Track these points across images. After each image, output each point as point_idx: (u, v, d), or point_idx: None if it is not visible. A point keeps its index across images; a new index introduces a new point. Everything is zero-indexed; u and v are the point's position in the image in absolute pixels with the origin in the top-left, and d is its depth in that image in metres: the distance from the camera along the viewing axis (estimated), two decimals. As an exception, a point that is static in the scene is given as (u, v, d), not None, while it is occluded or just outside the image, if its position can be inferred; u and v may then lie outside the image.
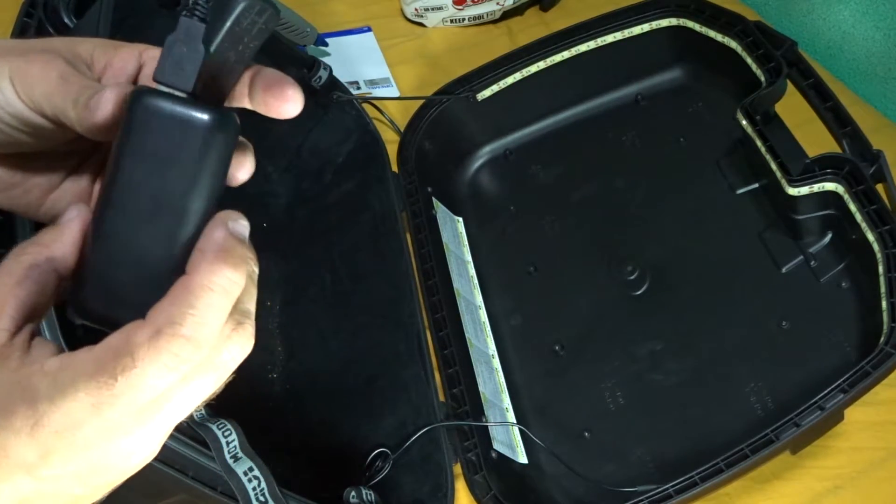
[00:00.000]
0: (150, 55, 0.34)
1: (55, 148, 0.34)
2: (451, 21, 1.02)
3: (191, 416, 0.46)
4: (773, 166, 0.67)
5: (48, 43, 0.33)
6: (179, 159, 0.29)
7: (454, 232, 0.81)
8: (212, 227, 0.30)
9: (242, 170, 0.33)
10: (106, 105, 0.30)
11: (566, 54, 0.82)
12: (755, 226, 0.71)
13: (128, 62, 0.34)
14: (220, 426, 0.47)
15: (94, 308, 0.30)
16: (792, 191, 0.65)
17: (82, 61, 0.33)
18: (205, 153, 0.29)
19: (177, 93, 0.29)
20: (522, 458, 0.68)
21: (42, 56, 0.31)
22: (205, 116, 0.29)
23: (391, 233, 0.77)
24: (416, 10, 1.01)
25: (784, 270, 0.68)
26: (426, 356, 0.70)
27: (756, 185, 0.72)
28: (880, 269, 0.60)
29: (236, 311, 0.29)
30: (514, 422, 0.69)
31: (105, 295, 0.30)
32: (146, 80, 0.33)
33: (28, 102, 0.31)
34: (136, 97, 0.29)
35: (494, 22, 1.02)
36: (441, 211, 0.80)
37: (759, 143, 0.68)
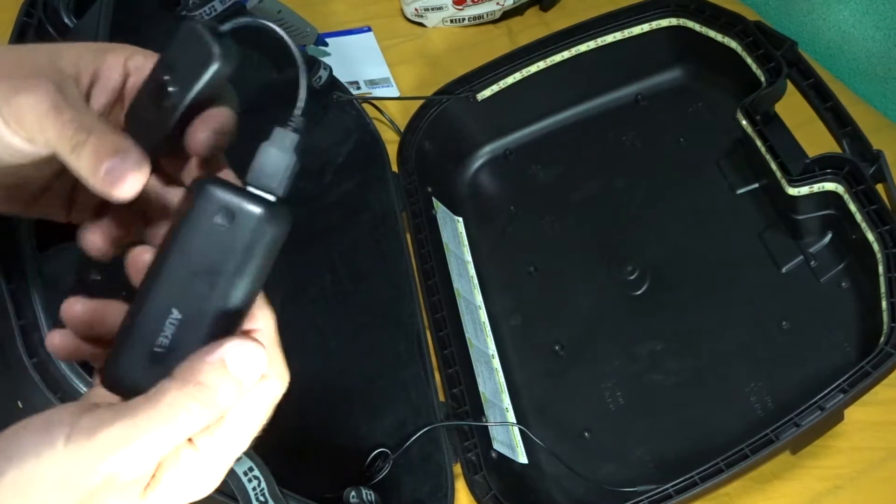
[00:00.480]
0: (135, 64, 0.34)
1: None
2: (451, 21, 1.02)
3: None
4: (773, 166, 0.67)
5: (32, 58, 0.32)
6: (242, 249, 0.30)
7: (454, 232, 0.81)
8: (206, 352, 0.29)
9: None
10: (130, 182, 0.29)
11: (566, 54, 0.82)
12: (755, 226, 0.71)
13: (113, 71, 0.33)
14: (220, 426, 0.47)
15: (126, 379, 0.30)
16: (792, 191, 0.65)
17: (69, 78, 0.32)
18: (268, 244, 0.31)
19: (267, 196, 0.30)
20: (522, 458, 0.68)
21: (28, 83, 0.30)
22: (270, 211, 0.30)
23: (391, 233, 0.77)
24: (416, 10, 1.01)
25: (784, 270, 0.68)
26: (426, 356, 0.70)
27: (756, 185, 0.72)
28: (880, 269, 0.60)
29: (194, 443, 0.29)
30: (514, 422, 0.69)
31: (138, 368, 0.30)
32: (132, 91, 0.34)
33: (18, 133, 0.30)
34: (206, 189, 0.29)
35: (494, 22, 1.02)
36: (441, 211, 0.80)
37: (759, 143, 0.68)
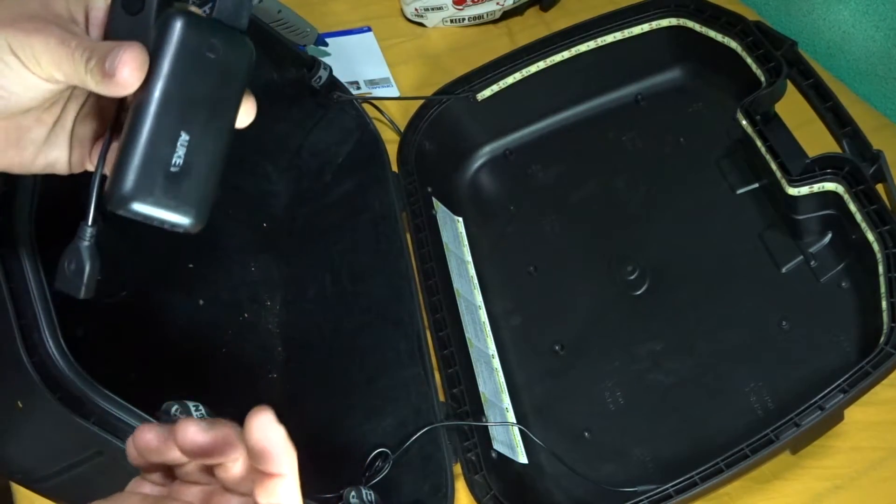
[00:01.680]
0: None
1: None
2: (451, 21, 1.02)
3: (190, 416, 0.46)
4: (773, 166, 0.67)
5: (28, 8, 0.34)
6: (233, 75, 0.34)
7: (454, 232, 0.81)
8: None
9: (248, 109, 0.36)
10: (125, 65, 0.32)
11: (566, 54, 0.82)
12: (755, 226, 0.71)
13: (101, 8, 0.36)
14: (220, 426, 0.47)
15: (125, 196, 0.33)
16: (792, 191, 0.65)
17: (65, 18, 0.35)
18: (240, 67, 0.34)
19: (236, 27, 0.34)
20: (522, 458, 0.68)
21: (33, 24, 0.33)
22: (244, 37, 0.34)
23: (391, 233, 0.77)
24: (416, 10, 1.01)
25: (784, 270, 0.68)
26: (426, 356, 0.70)
27: (756, 185, 0.72)
28: (880, 269, 0.60)
29: None
30: (514, 422, 0.69)
31: (156, 187, 0.33)
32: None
33: (38, 73, 0.33)
34: (186, 23, 0.33)
35: (494, 22, 1.02)
36: (441, 211, 0.80)
37: (759, 143, 0.68)
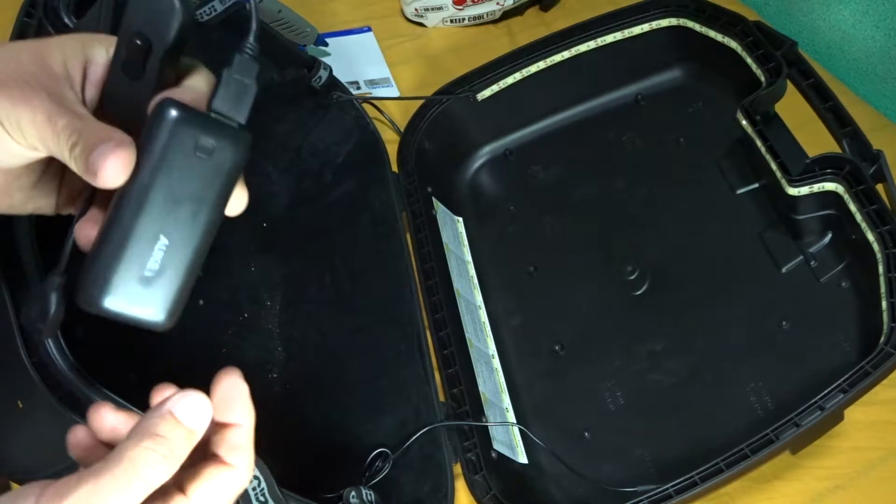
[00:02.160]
0: (112, 41, 0.34)
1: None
2: (451, 21, 1.02)
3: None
4: (773, 166, 0.67)
5: (20, 63, 0.32)
6: (221, 176, 0.32)
7: (454, 232, 0.81)
8: (156, 409, 0.32)
9: (239, 200, 0.35)
10: (110, 166, 0.31)
11: (566, 54, 0.82)
12: (755, 226, 0.71)
13: (100, 65, 0.34)
14: (220, 426, 0.47)
15: (96, 297, 0.32)
16: (792, 191, 0.65)
17: (60, 78, 0.33)
18: (239, 169, 0.32)
19: (231, 123, 0.32)
20: (522, 458, 0.68)
21: (21, 91, 0.31)
22: (241, 132, 0.32)
23: (391, 233, 0.77)
24: (416, 10, 1.01)
25: (784, 270, 0.68)
26: (426, 356, 0.70)
27: (756, 185, 0.72)
28: (880, 269, 0.60)
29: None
30: (514, 422, 0.69)
31: (130, 291, 0.32)
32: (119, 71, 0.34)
33: (22, 143, 0.32)
34: (179, 119, 0.31)
35: (494, 22, 1.02)
36: (441, 211, 0.80)
37: (759, 143, 0.68)
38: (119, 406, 0.35)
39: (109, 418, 0.34)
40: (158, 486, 0.30)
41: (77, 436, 0.34)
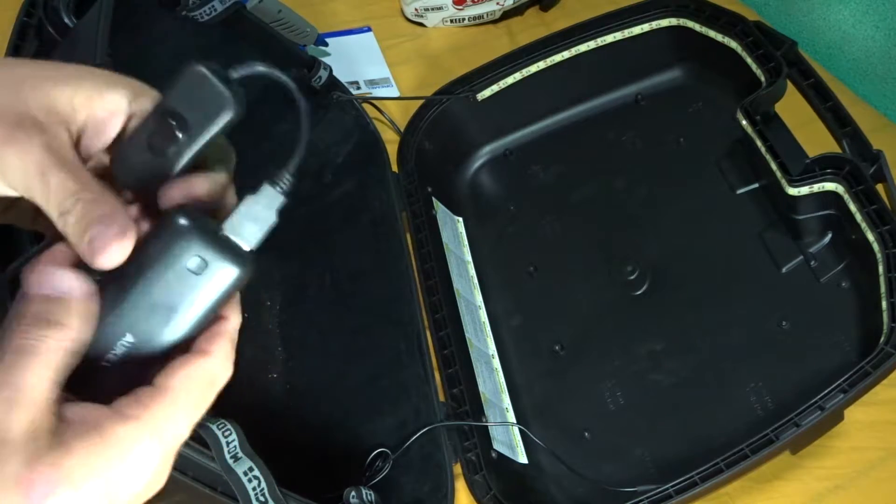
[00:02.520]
0: (140, 107, 0.31)
1: None
2: (451, 21, 1.02)
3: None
4: (773, 166, 0.67)
5: (19, 98, 0.29)
6: (207, 297, 0.30)
7: (454, 232, 0.81)
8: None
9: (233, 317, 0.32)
10: (107, 255, 0.28)
11: (566, 54, 0.82)
12: (755, 226, 0.71)
13: (114, 115, 0.31)
14: (220, 426, 0.47)
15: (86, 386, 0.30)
16: (792, 191, 0.65)
17: (60, 125, 0.29)
18: (231, 291, 0.30)
19: (240, 247, 0.30)
20: (522, 458, 0.68)
21: (15, 138, 0.28)
22: (247, 259, 0.30)
23: (391, 233, 0.77)
24: (416, 10, 1.01)
25: (784, 270, 0.68)
26: (426, 356, 0.70)
27: (756, 185, 0.72)
28: (880, 269, 0.60)
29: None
30: (514, 422, 0.69)
31: (83, 374, 0.29)
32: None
33: (11, 188, 0.29)
34: (183, 230, 0.29)
35: (494, 22, 1.02)
36: (441, 211, 0.80)
37: (759, 143, 0.68)
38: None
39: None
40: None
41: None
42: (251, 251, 0.31)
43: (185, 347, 0.31)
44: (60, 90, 0.29)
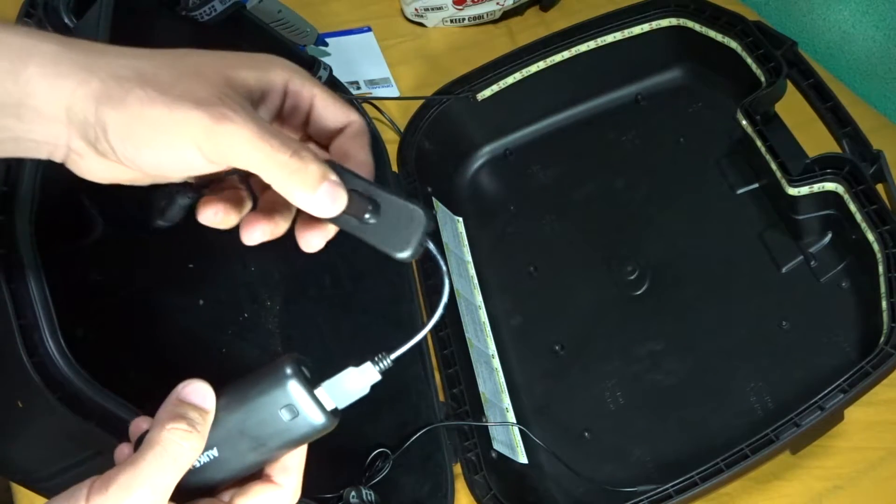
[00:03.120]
0: (294, 87, 0.35)
1: None
2: (451, 21, 1.02)
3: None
4: (773, 166, 0.67)
5: (206, 76, 0.32)
6: (291, 439, 0.35)
7: (454, 232, 0.80)
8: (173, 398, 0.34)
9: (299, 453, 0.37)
10: (343, 198, 0.33)
11: (566, 54, 0.82)
12: (755, 226, 0.71)
13: (276, 93, 0.35)
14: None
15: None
16: (792, 191, 0.65)
17: (246, 96, 0.33)
18: (304, 435, 0.35)
19: (328, 406, 0.35)
20: (522, 458, 0.68)
21: (224, 116, 0.31)
22: (332, 416, 0.36)
23: (391, 233, 0.76)
24: (416, 10, 1.01)
25: (784, 270, 0.68)
26: (426, 356, 0.70)
27: (756, 185, 0.72)
28: (880, 269, 0.60)
29: None
30: (514, 422, 0.69)
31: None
32: (289, 111, 0.36)
33: (216, 162, 0.32)
34: (285, 379, 0.34)
35: (494, 22, 1.02)
36: (441, 211, 0.80)
37: (759, 143, 0.68)
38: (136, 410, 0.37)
39: (144, 426, 0.35)
40: (189, 465, 0.32)
41: (122, 452, 0.36)
42: (336, 408, 0.36)
43: (258, 472, 0.36)
44: (236, 72, 0.33)
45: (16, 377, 0.43)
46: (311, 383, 0.35)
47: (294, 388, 0.34)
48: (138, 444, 0.34)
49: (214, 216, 0.36)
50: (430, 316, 0.40)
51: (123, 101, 0.30)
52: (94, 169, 0.33)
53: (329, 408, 0.35)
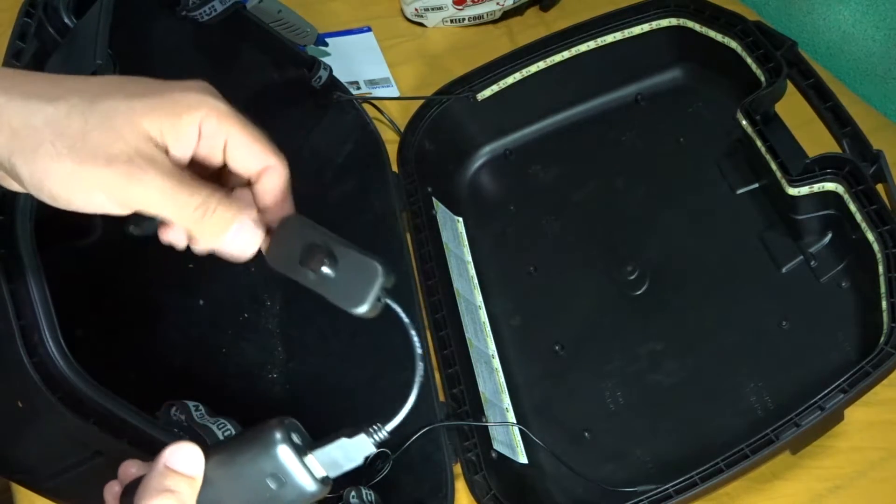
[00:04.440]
0: (209, 129, 0.34)
1: None
2: (451, 21, 1.02)
3: (191, 417, 0.46)
4: (773, 166, 0.67)
5: (120, 140, 0.32)
6: (268, 493, 0.33)
7: (454, 232, 0.81)
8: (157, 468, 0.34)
9: None
10: (255, 244, 0.36)
11: (566, 54, 0.82)
12: (755, 226, 0.71)
13: (189, 138, 0.34)
14: (220, 426, 0.47)
15: None
16: (792, 191, 0.65)
17: (158, 147, 0.33)
18: (301, 501, 0.34)
19: (317, 475, 0.34)
20: (522, 458, 0.68)
21: (133, 175, 0.32)
22: (317, 489, 0.34)
23: (391, 233, 0.77)
24: (416, 10, 1.01)
25: (784, 270, 0.68)
26: (426, 356, 0.70)
27: (756, 185, 0.72)
28: (880, 269, 0.60)
29: None
30: (514, 422, 0.69)
31: None
32: (203, 154, 0.35)
33: (120, 206, 0.32)
34: (274, 444, 0.33)
35: (494, 22, 1.02)
36: (441, 211, 0.80)
37: (759, 143, 0.68)
38: (141, 459, 0.37)
39: (133, 470, 0.36)
40: None
41: (112, 490, 0.36)
42: (327, 477, 0.34)
43: None
44: (148, 120, 0.33)
45: (16, 377, 0.44)
46: (301, 450, 0.34)
47: (281, 457, 0.33)
48: (125, 495, 0.34)
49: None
50: (421, 352, 0.41)
51: (34, 155, 0.31)
52: (23, 190, 0.34)
53: (319, 476, 0.34)
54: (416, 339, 0.37)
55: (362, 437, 0.35)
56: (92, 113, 0.32)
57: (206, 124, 0.34)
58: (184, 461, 0.34)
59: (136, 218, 0.35)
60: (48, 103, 0.32)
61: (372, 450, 0.35)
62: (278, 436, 0.33)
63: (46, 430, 0.46)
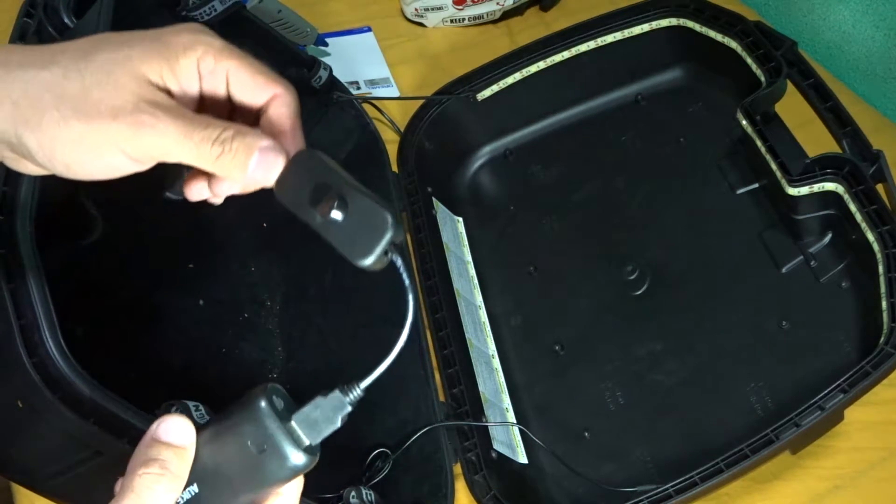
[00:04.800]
0: (207, 68, 0.34)
1: None
2: (451, 21, 1.02)
3: (191, 416, 0.46)
4: (773, 166, 0.67)
5: (122, 88, 0.31)
6: (254, 462, 0.33)
7: (454, 232, 0.81)
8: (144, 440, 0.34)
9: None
10: (279, 165, 0.34)
11: (566, 54, 0.82)
12: (755, 226, 0.71)
13: (191, 81, 0.34)
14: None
15: None
16: (792, 191, 0.65)
17: (160, 90, 0.32)
18: (287, 470, 0.33)
19: (302, 440, 0.33)
20: (522, 458, 0.68)
21: (142, 122, 0.31)
22: (310, 455, 0.34)
23: (391, 233, 0.76)
24: (416, 10, 1.01)
25: (784, 270, 0.68)
26: (426, 356, 0.70)
27: (756, 185, 0.72)
28: (880, 269, 0.60)
29: None
30: (514, 422, 0.69)
31: None
32: (209, 93, 0.34)
33: (147, 163, 0.32)
34: (257, 407, 0.33)
35: (494, 22, 1.02)
36: (441, 211, 0.80)
37: (759, 143, 0.68)
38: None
39: None
40: None
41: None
42: (310, 446, 0.34)
43: None
44: (148, 66, 0.32)
45: (16, 377, 0.44)
46: (285, 417, 0.34)
47: (264, 423, 0.33)
48: None
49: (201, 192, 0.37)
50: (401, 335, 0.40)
51: (40, 124, 0.31)
52: (36, 170, 0.33)
53: (303, 444, 0.34)
54: (411, 299, 0.37)
55: (337, 394, 0.35)
56: (88, 69, 0.31)
57: (203, 63, 0.34)
58: (171, 432, 0.34)
59: (170, 180, 0.35)
60: (42, 69, 0.31)
61: (347, 408, 0.35)
62: (262, 404, 0.33)
63: (46, 430, 0.46)
